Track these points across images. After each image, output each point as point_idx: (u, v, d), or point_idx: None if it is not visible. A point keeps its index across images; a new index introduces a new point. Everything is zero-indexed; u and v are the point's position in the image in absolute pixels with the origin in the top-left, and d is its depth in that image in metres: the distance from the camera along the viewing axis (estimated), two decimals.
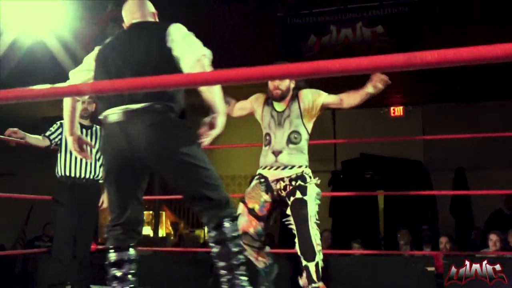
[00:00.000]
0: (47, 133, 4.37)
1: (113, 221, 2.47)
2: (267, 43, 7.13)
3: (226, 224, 2.33)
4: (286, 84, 3.53)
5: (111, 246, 2.46)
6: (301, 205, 3.23)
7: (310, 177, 3.42)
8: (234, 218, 2.40)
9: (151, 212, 10.41)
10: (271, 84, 3.54)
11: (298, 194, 3.26)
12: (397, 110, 9.67)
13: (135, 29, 2.54)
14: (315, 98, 3.52)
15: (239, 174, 10.07)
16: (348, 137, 8.70)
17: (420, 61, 0.82)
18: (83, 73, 2.56)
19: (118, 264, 2.45)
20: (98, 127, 4.48)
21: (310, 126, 3.58)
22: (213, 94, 2.29)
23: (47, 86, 1.23)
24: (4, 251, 7.16)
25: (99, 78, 2.42)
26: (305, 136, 3.52)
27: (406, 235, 6.70)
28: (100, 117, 2.44)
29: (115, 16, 7.42)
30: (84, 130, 4.37)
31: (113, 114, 2.34)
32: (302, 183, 3.32)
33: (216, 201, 2.35)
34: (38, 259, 5.23)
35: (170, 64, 2.32)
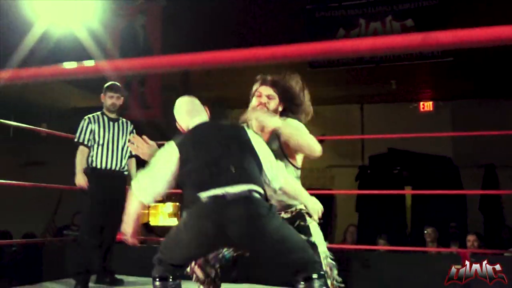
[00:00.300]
0: (80, 139, 4.37)
1: (171, 261, 2.48)
2: (295, 36, 7.09)
3: (315, 280, 2.37)
4: (275, 105, 2.94)
5: (157, 276, 2.49)
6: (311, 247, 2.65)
7: (308, 214, 2.84)
8: (322, 276, 2.42)
9: (177, 203, 10.50)
10: (255, 101, 2.94)
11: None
12: (427, 105, 9.57)
13: (213, 126, 2.71)
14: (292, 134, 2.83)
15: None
16: (376, 132, 8.61)
17: (435, 41, 0.80)
18: (166, 165, 2.55)
19: None
20: (124, 120, 4.54)
21: (299, 159, 2.94)
22: (297, 195, 2.76)
23: (73, 63, 1.23)
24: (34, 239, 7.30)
25: (195, 167, 2.48)
26: (294, 174, 2.90)
27: (433, 232, 6.61)
28: (191, 198, 2.43)
29: (143, 9, 7.48)
30: (111, 123, 4.43)
31: (209, 196, 2.35)
32: (302, 223, 2.80)
33: (310, 262, 2.41)
34: (65, 247, 5.31)
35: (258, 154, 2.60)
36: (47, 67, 1.21)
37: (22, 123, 5.27)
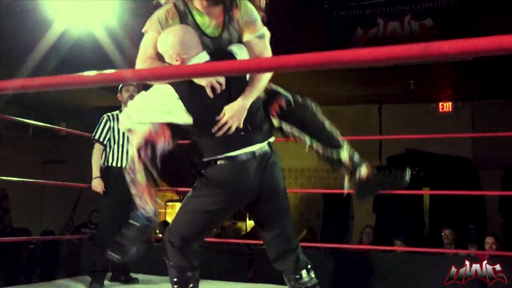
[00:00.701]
0: (96, 137, 4.40)
1: (193, 239, 2.45)
2: (313, 36, 7.06)
3: (304, 275, 2.42)
4: None
5: (175, 264, 2.48)
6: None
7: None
8: (310, 269, 2.45)
9: None
10: None
11: None
12: (446, 106, 9.47)
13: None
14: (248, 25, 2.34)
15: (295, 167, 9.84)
16: (394, 132, 8.55)
17: (437, 52, 0.79)
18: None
19: (180, 280, 2.51)
20: None
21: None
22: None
23: (94, 72, 1.25)
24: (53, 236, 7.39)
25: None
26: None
27: (450, 234, 6.55)
28: (219, 157, 2.36)
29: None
30: None
31: (240, 155, 2.33)
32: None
33: (298, 246, 2.44)
34: (82, 245, 5.36)
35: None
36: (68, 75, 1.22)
37: (41, 122, 5.34)
